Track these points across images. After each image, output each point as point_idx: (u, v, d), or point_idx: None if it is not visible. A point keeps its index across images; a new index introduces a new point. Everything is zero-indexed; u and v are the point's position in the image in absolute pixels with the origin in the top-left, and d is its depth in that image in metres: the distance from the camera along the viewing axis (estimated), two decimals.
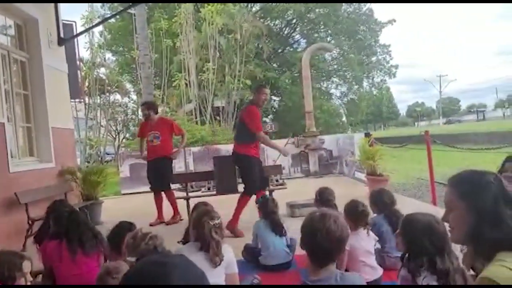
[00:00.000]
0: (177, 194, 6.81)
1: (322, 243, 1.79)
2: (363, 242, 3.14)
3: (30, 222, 5.33)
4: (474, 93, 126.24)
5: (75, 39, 9.80)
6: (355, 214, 3.20)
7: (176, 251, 2.61)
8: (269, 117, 27.41)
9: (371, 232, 3.26)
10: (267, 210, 3.76)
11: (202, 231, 2.61)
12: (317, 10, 26.73)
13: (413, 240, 2.19)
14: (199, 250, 2.60)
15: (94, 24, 9.85)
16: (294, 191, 6.28)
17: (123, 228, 3.21)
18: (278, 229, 3.64)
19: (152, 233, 2.51)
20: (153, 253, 2.35)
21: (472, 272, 2.34)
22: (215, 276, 2.57)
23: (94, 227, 3.26)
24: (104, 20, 14.07)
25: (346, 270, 3.13)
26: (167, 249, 2.55)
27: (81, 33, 8.63)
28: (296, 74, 25.17)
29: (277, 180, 9.46)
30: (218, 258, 2.57)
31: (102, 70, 20.14)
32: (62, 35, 7.31)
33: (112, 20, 24.80)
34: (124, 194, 10.82)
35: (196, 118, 15.85)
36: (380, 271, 3.15)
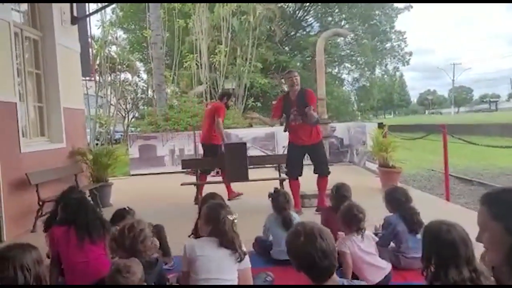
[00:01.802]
0: (185, 179, 6.78)
1: (322, 263, 1.85)
2: (362, 244, 3.07)
3: (40, 203, 5.33)
4: (488, 82, 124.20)
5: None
6: (348, 218, 3.13)
7: (191, 246, 2.58)
8: None
9: (367, 233, 3.17)
10: (278, 206, 3.69)
11: (222, 227, 2.57)
12: None
13: (424, 249, 2.12)
14: (219, 246, 2.56)
15: (106, 4, 9.66)
16: (304, 179, 6.23)
17: (119, 217, 3.25)
18: (288, 226, 3.57)
19: (128, 223, 2.50)
20: (137, 244, 2.39)
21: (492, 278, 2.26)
22: (230, 272, 2.54)
23: (102, 216, 3.24)
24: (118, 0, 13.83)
25: (353, 273, 3.08)
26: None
27: (94, 12, 8.49)
28: (308, 58, 24.83)
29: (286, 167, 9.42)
30: (241, 252, 2.57)
31: (114, 48, 20.00)
32: (75, 14, 7.20)
33: None
34: (133, 175, 10.86)
35: (206, 100, 15.72)
36: (388, 269, 3.08)
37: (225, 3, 16.38)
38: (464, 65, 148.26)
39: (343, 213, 3.17)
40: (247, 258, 2.68)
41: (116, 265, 2.11)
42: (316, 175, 5.65)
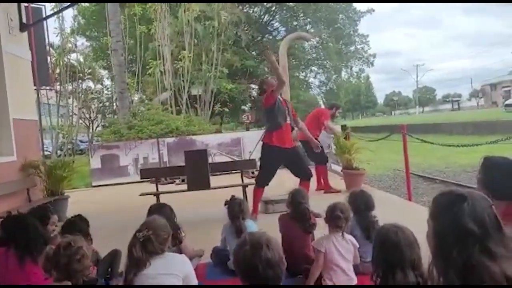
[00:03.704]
0: (152, 188, 6.56)
1: (265, 274, 1.73)
2: (339, 246, 3.01)
3: None
4: (450, 82, 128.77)
5: (45, 24, 9.28)
6: (330, 217, 3.09)
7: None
8: (247, 105, 27.01)
9: (348, 237, 3.11)
10: (232, 214, 3.58)
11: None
12: None
13: (373, 252, 2.09)
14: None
15: (62, 7, 9.33)
16: (270, 184, 6.14)
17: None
18: (240, 235, 3.45)
19: (63, 241, 2.34)
20: (73, 262, 2.21)
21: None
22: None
23: (46, 233, 3.00)
24: (70, 5, 13.35)
25: (320, 273, 3.01)
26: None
27: (45, 18, 8.13)
28: None
29: (252, 172, 9.33)
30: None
31: (74, 56, 19.38)
32: (24, 20, 6.89)
33: (86, 4, 23.94)
34: (95, 186, 10.50)
35: (171, 107, 15.47)
36: (355, 280, 3.02)
37: (187, 8, 16.19)
38: (427, 66, 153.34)
39: (327, 212, 3.14)
40: (192, 277, 2.52)
41: None
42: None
